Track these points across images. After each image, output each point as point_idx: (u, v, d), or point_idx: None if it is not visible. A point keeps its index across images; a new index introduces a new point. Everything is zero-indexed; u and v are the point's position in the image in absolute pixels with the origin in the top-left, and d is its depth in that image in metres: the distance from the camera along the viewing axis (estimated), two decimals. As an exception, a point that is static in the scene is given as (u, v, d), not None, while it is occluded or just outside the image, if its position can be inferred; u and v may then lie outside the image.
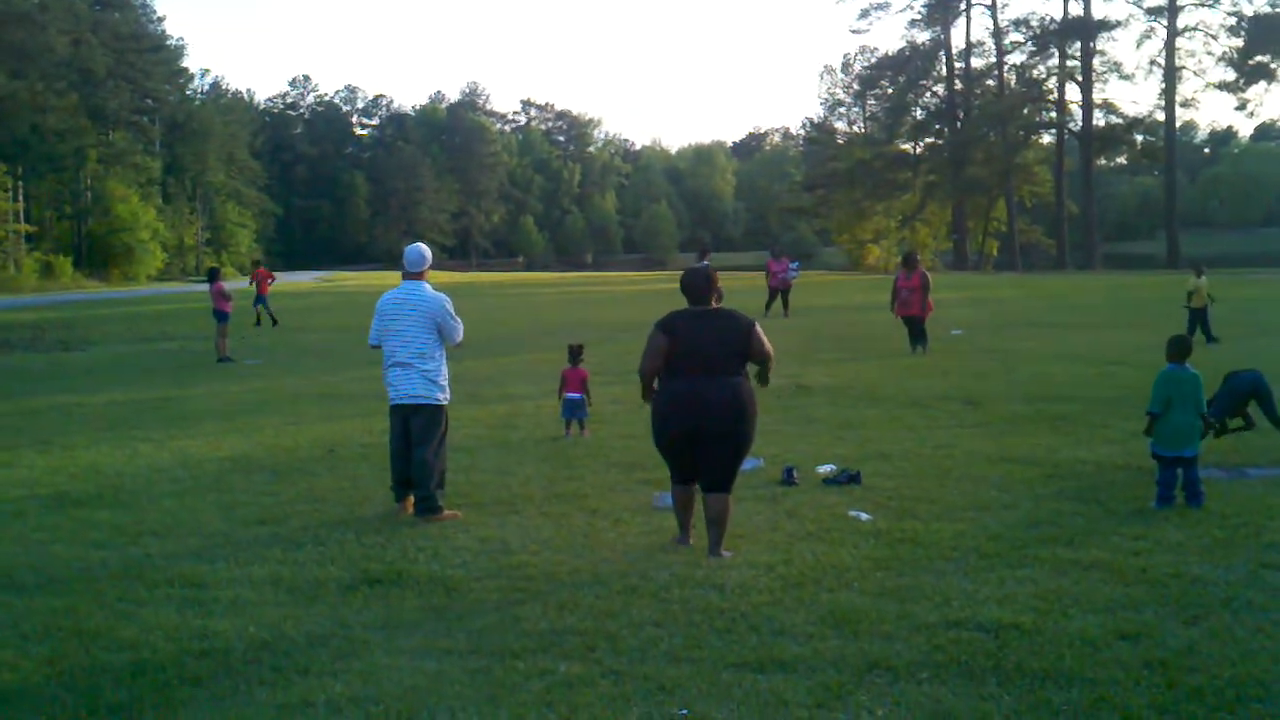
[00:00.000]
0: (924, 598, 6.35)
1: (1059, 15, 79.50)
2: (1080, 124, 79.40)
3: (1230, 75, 74.26)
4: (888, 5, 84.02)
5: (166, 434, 13.19)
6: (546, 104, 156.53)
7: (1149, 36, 77.37)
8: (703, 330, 7.40)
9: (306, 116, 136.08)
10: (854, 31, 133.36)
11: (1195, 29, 75.05)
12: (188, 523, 8.71)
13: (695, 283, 7.63)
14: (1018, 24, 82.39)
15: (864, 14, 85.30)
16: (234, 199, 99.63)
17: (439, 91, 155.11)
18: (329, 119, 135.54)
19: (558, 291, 51.35)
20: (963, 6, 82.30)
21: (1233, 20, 73.35)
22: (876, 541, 7.65)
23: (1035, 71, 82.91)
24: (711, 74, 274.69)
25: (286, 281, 68.63)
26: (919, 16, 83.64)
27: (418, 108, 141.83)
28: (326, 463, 11.14)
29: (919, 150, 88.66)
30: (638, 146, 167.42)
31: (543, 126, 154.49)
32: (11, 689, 5.38)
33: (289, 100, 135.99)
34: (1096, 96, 78.48)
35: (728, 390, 7.28)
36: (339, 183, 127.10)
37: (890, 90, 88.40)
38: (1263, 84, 73.74)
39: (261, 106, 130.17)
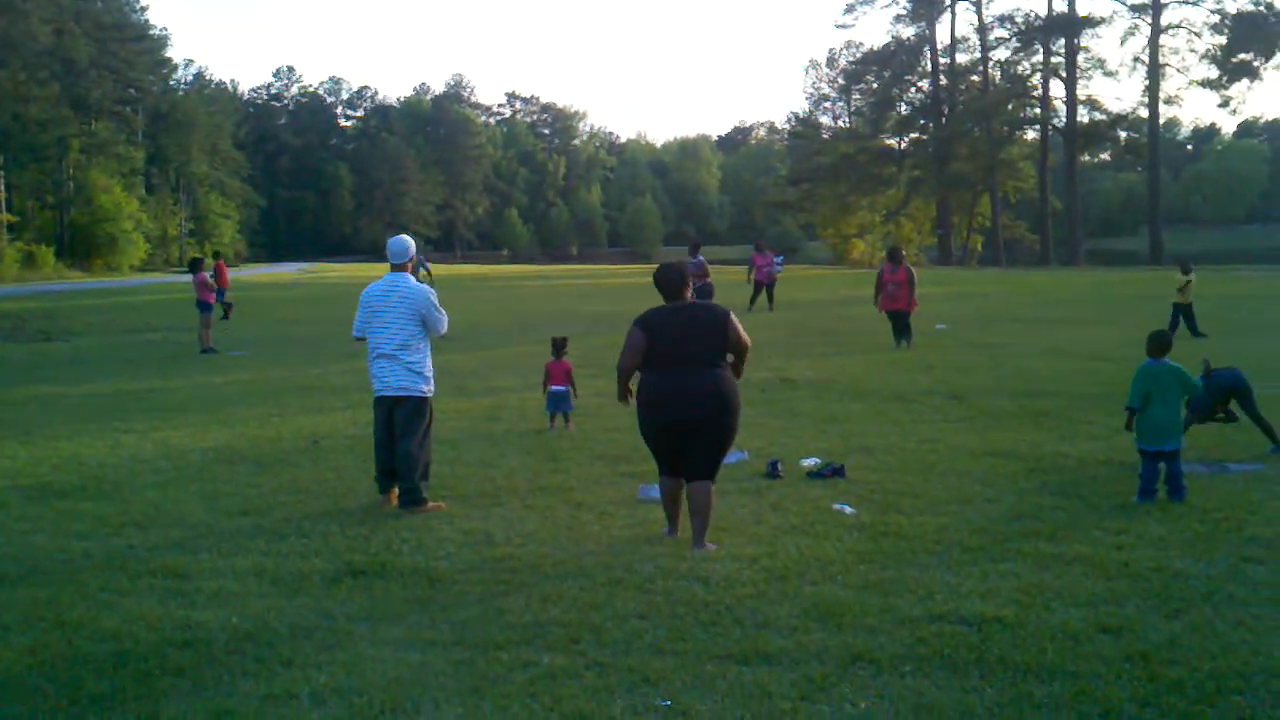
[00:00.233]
0: (907, 591, 6.37)
1: (1044, 11, 79.75)
2: (1064, 120, 79.61)
3: (1213, 73, 74.56)
4: (873, 0, 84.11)
5: (149, 425, 13.14)
6: (532, 97, 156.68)
7: (1133, 33, 77.65)
8: (680, 324, 7.45)
9: (290, 108, 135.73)
10: (839, 26, 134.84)
11: (1179, 26, 75.37)
12: (171, 514, 8.69)
13: (669, 278, 7.68)
14: (1002, 20, 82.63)
15: (849, 9, 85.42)
16: (217, 190, 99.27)
17: (424, 83, 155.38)
18: (313, 110, 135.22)
19: (542, 284, 51.31)
20: (948, 2, 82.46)
21: (1216, 18, 73.64)
22: (860, 535, 7.67)
23: (1020, 67, 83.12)
24: (697, 68, 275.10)
25: (269, 273, 68.52)
26: (904, 12, 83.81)
27: (402, 99, 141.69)
28: (310, 454, 11.12)
29: (904, 145, 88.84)
30: (623, 140, 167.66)
31: (528, 119, 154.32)
32: (-7, 679, 5.37)
33: (273, 91, 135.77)
34: (1080, 93, 78.71)
35: (710, 381, 7.33)
36: (323, 174, 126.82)
37: (875, 85, 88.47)
38: (1245, 81, 74.01)
39: (245, 97, 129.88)
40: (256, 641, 5.74)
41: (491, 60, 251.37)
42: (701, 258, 26.14)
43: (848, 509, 8.39)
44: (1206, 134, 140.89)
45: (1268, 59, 71.22)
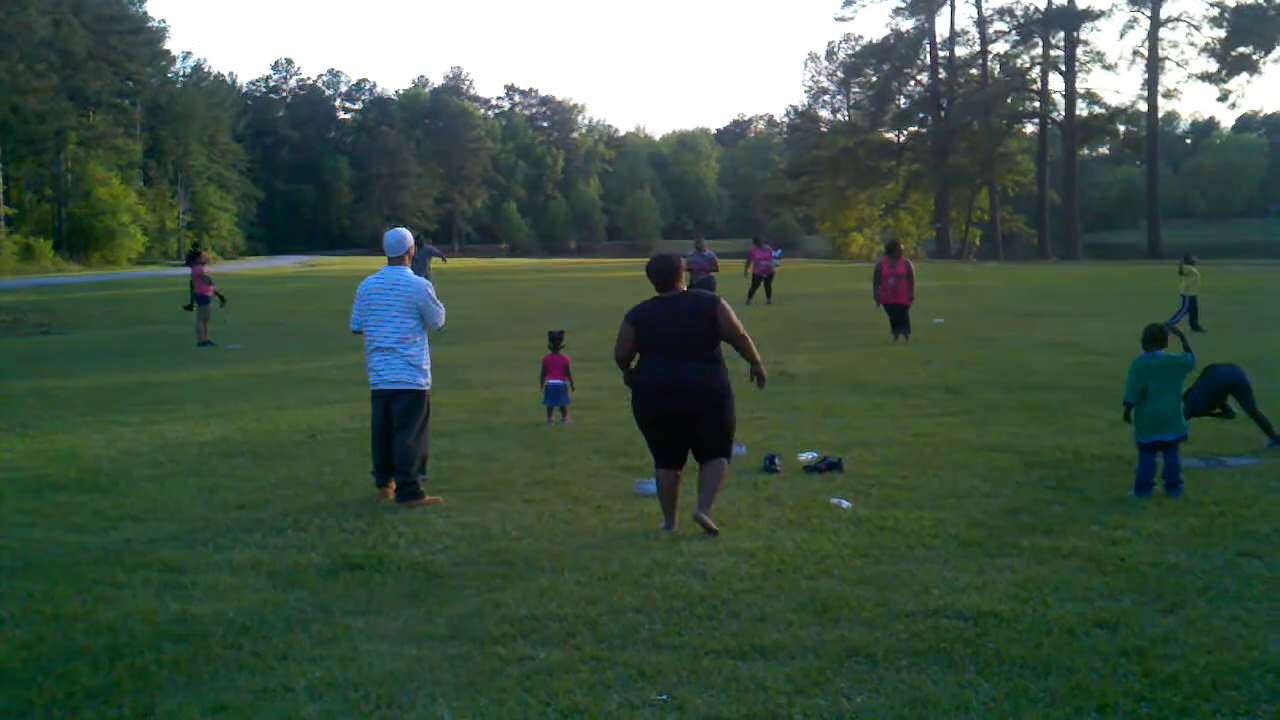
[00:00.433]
0: (904, 585, 6.37)
1: (1043, 5, 79.69)
2: (1063, 114, 79.62)
3: (1213, 66, 74.49)
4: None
5: (146, 418, 13.14)
6: (530, 89, 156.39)
7: (1132, 27, 77.49)
8: (668, 315, 7.60)
9: (289, 100, 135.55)
10: (839, 19, 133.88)
11: (1178, 20, 75.59)
12: (167, 507, 8.69)
13: (661, 269, 7.81)
14: (1002, 13, 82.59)
15: (849, 2, 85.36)
16: (215, 182, 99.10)
17: (422, 76, 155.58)
18: (312, 103, 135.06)
19: (541, 277, 51.30)
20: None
21: (1215, 11, 73.60)
22: (857, 529, 7.67)
23: (1019, 61, 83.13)
24: (696, 60, 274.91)
25: (268, 266, 68.50)
26: (903, 5, 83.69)
27: (401, 92, 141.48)
28: (308, 447, 11.11)
29: (902, 139, 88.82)
30: (622, 133, 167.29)
31: (527, 112, 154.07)
32: (-11, 673, 5.37)
33: (271, 83, 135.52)
34: (1080, 86, 78.74)
35: (698, 370, 7.46)
36: (322, 167, 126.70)
37: (874, 78, 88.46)
38: (1244, 75, 73.98)
39: (244, 90, 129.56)
40: (252, 635, 5.73)
41: (490, 53, 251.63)
42: (711, 252, 25.98)
43: (845, 503, 8.39)
44: (1205, 128, 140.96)
45: (1267, 52, 71.23)
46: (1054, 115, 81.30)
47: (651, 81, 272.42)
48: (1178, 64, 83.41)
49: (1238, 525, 7.66)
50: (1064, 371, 15.86)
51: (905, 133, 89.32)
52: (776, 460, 9.74)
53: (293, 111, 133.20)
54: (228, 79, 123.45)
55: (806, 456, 10.01)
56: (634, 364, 7.77)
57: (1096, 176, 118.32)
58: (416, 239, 31.49)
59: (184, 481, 9.60)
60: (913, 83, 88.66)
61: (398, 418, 8.75)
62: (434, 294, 9.00)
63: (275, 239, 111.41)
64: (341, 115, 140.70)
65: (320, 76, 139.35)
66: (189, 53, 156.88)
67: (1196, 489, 8.62)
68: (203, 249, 33.91)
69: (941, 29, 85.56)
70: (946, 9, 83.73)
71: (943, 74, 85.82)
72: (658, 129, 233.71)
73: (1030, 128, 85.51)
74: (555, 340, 12.55)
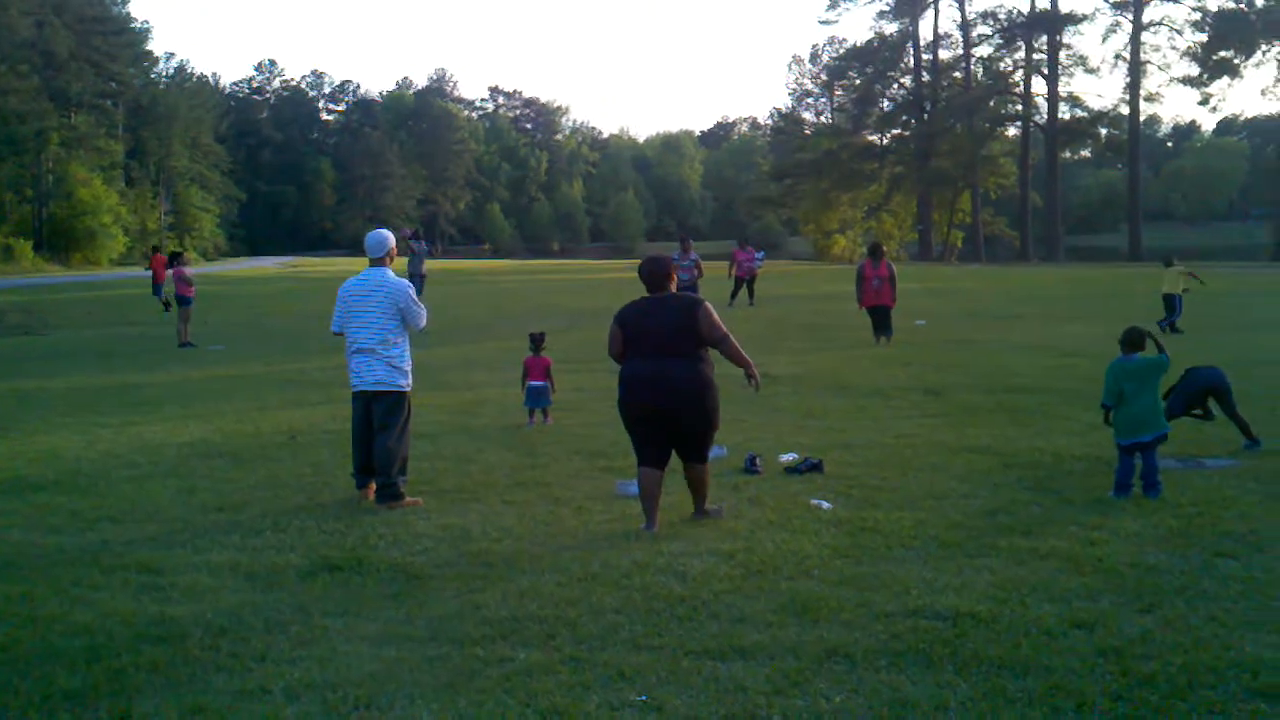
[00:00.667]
0: (883, 586, 6.38)
1: (1026, 8, 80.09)
2: (1045, 117, 80.00)
3: (1194, 70, 74.95)
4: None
5: (126, 419, 13.09)
6: (514, 91, 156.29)
7: (1114, 30, 77.94)
8: (652, 316, 7.79)
9: (272, 101, 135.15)
10: (823, 22, 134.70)
11: (1160, 24, 75.86)
12: (146, 508, 8.65)
13: (652, 270, 8.02)
14: (985, 16, 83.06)
15: (833, 4, 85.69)
16: (198, 183, 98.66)
17: (406, 78, 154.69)
18: (295, 104, 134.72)
19: (524, 279, 51.25)
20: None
21: (1197, 15, 74.10)
22: (837, 530, 7.68)
23: (1002, 64, 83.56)
24: (680, 63, 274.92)
25: (250, 267, 68.28)
26: (887, 8, 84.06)
27: (385, 94, 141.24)
28: (288, 449, 11.08)
29: (886, 141, 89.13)
30: (605, 135, 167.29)
31: (510, 114, 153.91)
32: (-35, 675, 5.33)
33: (254, 85, 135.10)
34: (1062, 90, 79.14)
35: (679, 370, 7.63)
36: (304, 168, 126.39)
37: (858, 81, 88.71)
38: (1225, 79, 74.47)
39: (226, 91, 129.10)
40: (230, 637, 5.71)
41: (474, 55, 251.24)
42: (696, 255, 25.91)
43: (825, 504, 8.41)
44: (1186, 131, 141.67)
45: (1247, 56, 71.69)
46: (1036, 118, 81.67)
47: (635, 83, 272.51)
48: (1159, 68, 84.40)
49: (1215, 526, 7.69)
50: (1043, 374, 15.92)
51: (888, 135, 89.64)
52: (757, 461, 9.76)
53: (276, 113, 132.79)
54: (210, 80, 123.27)
55: (787, 458, 10.03)
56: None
57: (1078, 179, 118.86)
58: (414, 234, 31.40)
59: (163, 483, 9.56)
60: (896, 86, 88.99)
61: (378, 419, 8.74)
62: (415, 295, 8.99)
63: (257, 240, 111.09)
64: (325, 117, 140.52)
65: (304, 78, 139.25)
66: (172, 54, 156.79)
67: (1174, 490, 8.66)
68: (162, 250, 33.85)
69: (925, 32, 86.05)
70: (930, 12, 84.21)
71: (926, 77, 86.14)
72: (641, 131, 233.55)
73: (1013, 130, 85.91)
74: (536, 342, 12.55)
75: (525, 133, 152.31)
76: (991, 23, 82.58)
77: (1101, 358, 9.06)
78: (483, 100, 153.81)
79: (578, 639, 5.62)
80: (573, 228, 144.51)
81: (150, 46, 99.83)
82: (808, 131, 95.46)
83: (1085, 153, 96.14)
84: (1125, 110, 77.85)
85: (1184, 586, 6.34)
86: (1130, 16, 74.88)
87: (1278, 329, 22.34)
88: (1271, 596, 6.17)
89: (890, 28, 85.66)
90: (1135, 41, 74.47)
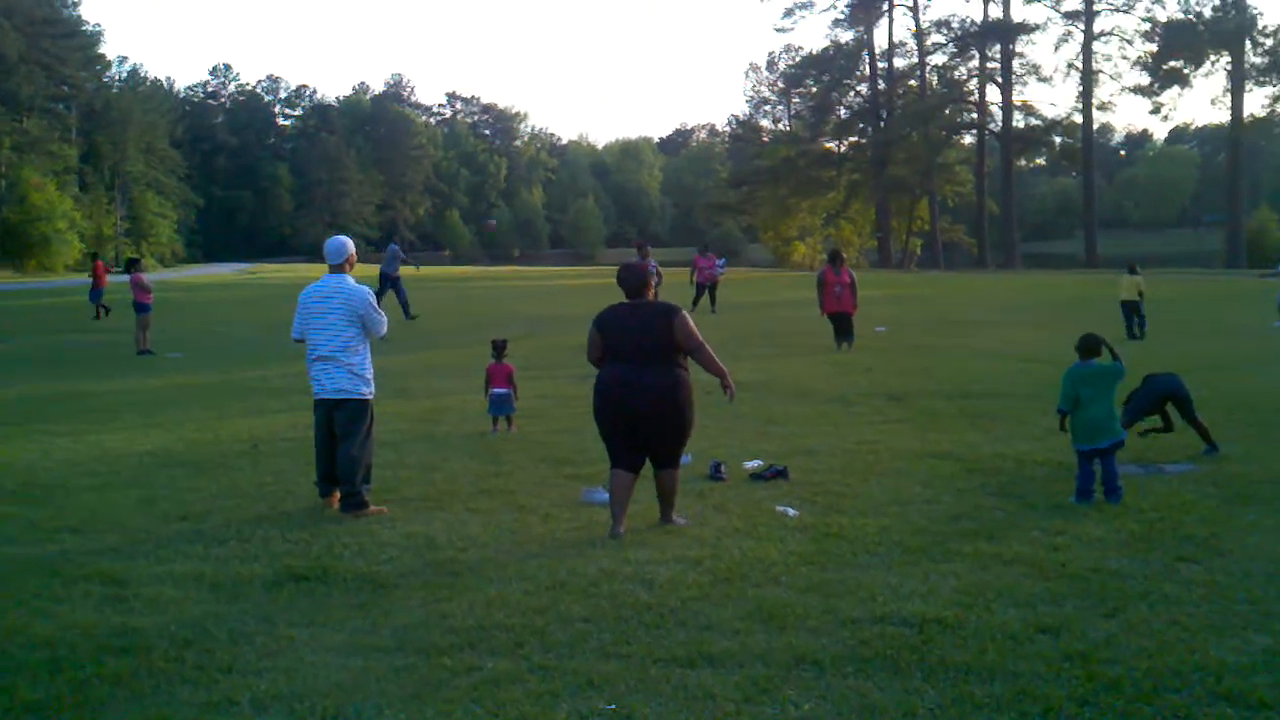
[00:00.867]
0: (849, 592, 6.41)
1: (979, 17, 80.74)
2: (1000, 125, 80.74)
3: (1145, 79, 75.95)
4: (811, 4, 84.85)
5: (84, 428, 12.95)
6: (473, 97, 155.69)
7: (1066, 40, 78.96)
8: (629, 322, 7.88)
9: (228, 106, 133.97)
10: (779, 30, 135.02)
11: (1111, 34, 77.02)
12: (106, 518, 8.55)
13: (629, 277, 8.14)
14: (939, 25, 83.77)
15: (788, 13, 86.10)
16: (153, 189, 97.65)
17: (363, 83, 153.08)
18: (251, 109, 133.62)
19: (486, 285, 51.10)
20: (885, 7, 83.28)
21: (1147, 25, 75.10)
22: (803, 536, 7.71)
23: (956, 72, 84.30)
24: (638, 70, 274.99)
25: (207, 274, 67.73)
26: (842, 16, 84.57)
27: (342, 99, 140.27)
28: (250, 458, 11.00)
29: (843, 149, 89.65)
30: (564, 141, 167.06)
31: (469, 119, 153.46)
32: (-76, 689, 5.25)
33: (210, 89, 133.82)
34: (1016, 98, 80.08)
35: (654, 378, 7.71)
36: (261, 173, 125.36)
37: (814, 89, 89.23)
38: (1176, 88, 75.53)
39: (181, 95, 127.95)
40: (195, 648, 5.66)
41: (432, 60, 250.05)
42: (654, 263, 25.93)
43: (790, 511, 8.44)
44: (1138, 140, 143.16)
45: (1197, 66, 72.65)
46: (991, 126, 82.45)
47: (594, 90, 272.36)
48: (1111, 77, 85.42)
49: (1176, 531, 7.78)
50: (1003, 379, 16.05)
51: (846, 143, 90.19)
52: (722, 468, 9.78)
53: (232, 117, 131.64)
54: (165, 84, 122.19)
55: (752, 464, 10.06)
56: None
57: (1033, 187, 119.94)
58: (388, 237, 31.24)
59: (123, 492, 9.46)
60: (852, 93, 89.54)
61: (341, 427, 8.69)
62: (375, 302, 8.95)
63: (214, 246, 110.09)
64: (281, 122, 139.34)
65: (259, 82, 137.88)
66: (125, 57, 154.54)
67: (1136, 495, 8.75)
68: (102, 257, 33.49)
69: (880, 41, 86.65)
70: (885, 21, 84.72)
71: (882, 85, 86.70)
72: (600, 137, 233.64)
73: (968, 139, 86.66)
74: (498, 349, 12.52)
75: (484, 139, 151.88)
76: (945, 31, 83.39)
77: (1060, 363, 9.16)
78: (441, 106, 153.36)
79: (546, 648, 5.60)
80: (533, 234, 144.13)
81: (103, 50, 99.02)
82: (765, 139, 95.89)
83: (1040, 160, 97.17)
84: (1078, 119, 78.84)
85: (1147, 591, 6.41)
86: (1082, 26, 75.81)
87: (1232, 335, 22.63)
88: (1233, 600, 6.25)
89: (846, 36, 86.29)
90: (1087, 51, 75.40)
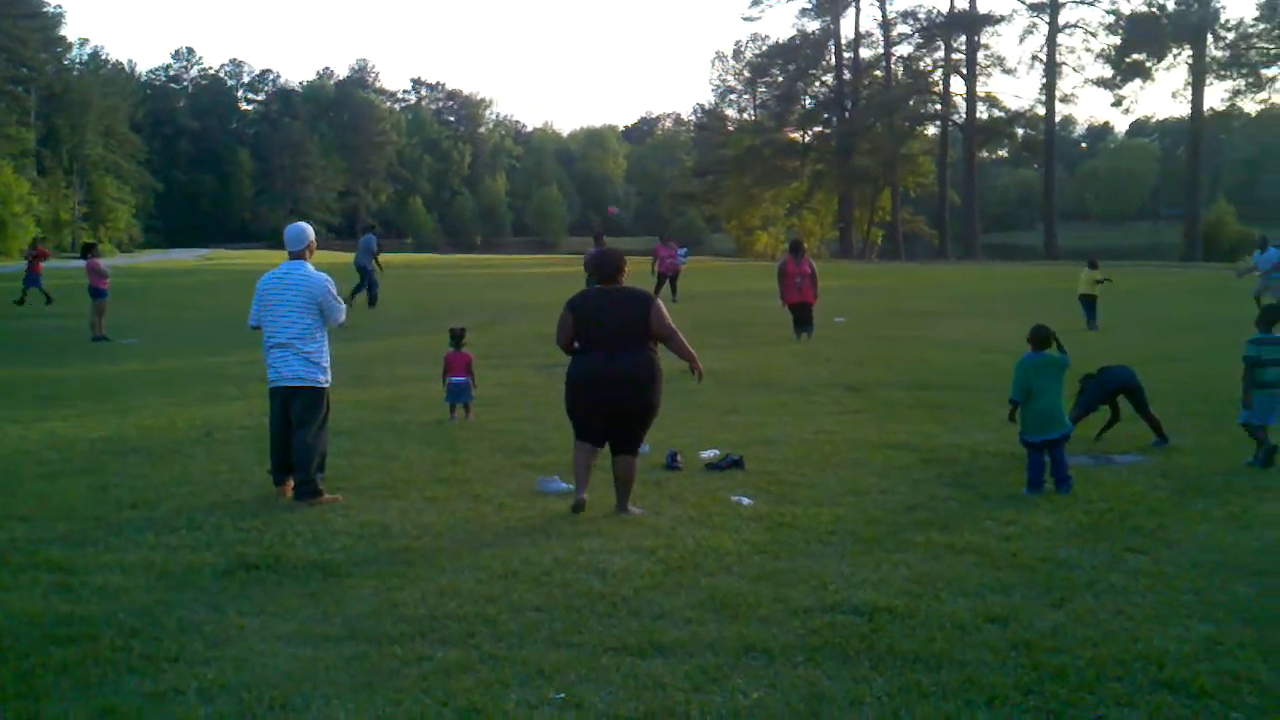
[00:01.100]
0: (801, 581, 6.44)
1: (945, 9, 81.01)
2: (964, 116, 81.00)
3: (1107, 72, 76.34)
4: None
5: (37, 414, 12.83)
6: (437, 83, 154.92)
7: (1031, 32, 79.11)
8: (605, 307, 8.01)
9: (190, 90, 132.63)
10: (746, 19, 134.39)
11: (1075, 26, 77.06)
12: (57, 506, 8.47)
13: (603, 263, 8.32)
14: (905, 16, 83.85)
15: (756, 1, 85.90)
16: (112, 173, 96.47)
17: (327, 68, 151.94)
18: (213, 93, 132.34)
19: (448, 273, 50.88)
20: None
21: (1111, 18, 75.46)
22: (757, 526, 7.74)
23: (921, 64, 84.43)
24: (604, 57, 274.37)
25: (166, 259, 67.10)
26: (809, 6, 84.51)
27: (305, 84, 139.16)
28: (204, 445, 10.92)
29: (807, 139, 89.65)
30: (529, 128, 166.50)
31: (433, 106, 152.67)
32: None
33: (171, 73, 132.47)
34: (980, 90, 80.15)
35: (629, 363, 7.86)
36: (223, 158, 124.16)
37: (780, 79, 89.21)
38: (1138, 81, 75.88)
39: (143, 79, 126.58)
40: (143, 637, 5.62)
41: (396, 46, 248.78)
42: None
43: (745, 500, 8.47)
44: (1100, 132, 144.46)
45: (1159, 60, 73.14)
46: (955, 118, 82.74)
47: (559, 77, 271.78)
48: (1074, 69, 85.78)
49: (1124, 521, 7.87)
50: (961, 370, 16.15)
51: (810, 133, 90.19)
52: (678, 458, 9.80)
53: (193, 101, 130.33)
54: (126, 67, 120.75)
55: (708, 454, 10.08)
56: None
57: (995, 179, 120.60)
58: (368, 227, 31.03)
59: (74, 480, 9.37)
60: (818, 83, 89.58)
61: (296, 415, 8.64)
62: (334, 290, 8.89)
63: (174, 231, 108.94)
64: (243, 106, 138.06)
65: (222, 66, 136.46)
66: (86, 40, 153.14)
67: (1086, 486, 8.84)
68: (41, 245, 32.98)
69: (846, 31, 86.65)
70: (851, 11, 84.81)
71: (847, 75, 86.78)
72: (565, 125, 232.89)
73: (932, 130, 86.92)
74: (456, 337, 12.49)
75: (448, 125, 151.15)
76: (911, 22, 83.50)
77: (1018, 354, 9.23)
78: (405, 92, 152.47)
79: (497, 637, 5.60)
80: (496, 222, 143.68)
81: (63, 32, 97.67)
82: (730, 128, 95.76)
83: (1002, 152, 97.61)
84: (1041, 111, 79.16)
85: (1094, 581, 6.48)
86: (1046, 18, 76.07)
87: (1188, 328, 22.86)
88: (1178, 590, 6.33)
89: (812, 25, 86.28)
90: (1051, 43, 75.70)
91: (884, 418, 12.28)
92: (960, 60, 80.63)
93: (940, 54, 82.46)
